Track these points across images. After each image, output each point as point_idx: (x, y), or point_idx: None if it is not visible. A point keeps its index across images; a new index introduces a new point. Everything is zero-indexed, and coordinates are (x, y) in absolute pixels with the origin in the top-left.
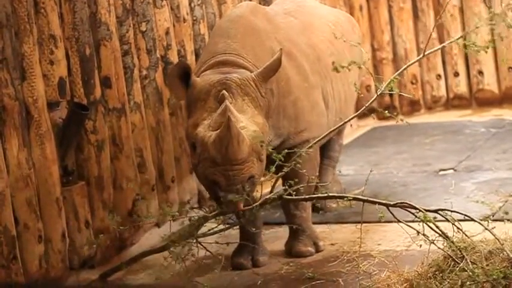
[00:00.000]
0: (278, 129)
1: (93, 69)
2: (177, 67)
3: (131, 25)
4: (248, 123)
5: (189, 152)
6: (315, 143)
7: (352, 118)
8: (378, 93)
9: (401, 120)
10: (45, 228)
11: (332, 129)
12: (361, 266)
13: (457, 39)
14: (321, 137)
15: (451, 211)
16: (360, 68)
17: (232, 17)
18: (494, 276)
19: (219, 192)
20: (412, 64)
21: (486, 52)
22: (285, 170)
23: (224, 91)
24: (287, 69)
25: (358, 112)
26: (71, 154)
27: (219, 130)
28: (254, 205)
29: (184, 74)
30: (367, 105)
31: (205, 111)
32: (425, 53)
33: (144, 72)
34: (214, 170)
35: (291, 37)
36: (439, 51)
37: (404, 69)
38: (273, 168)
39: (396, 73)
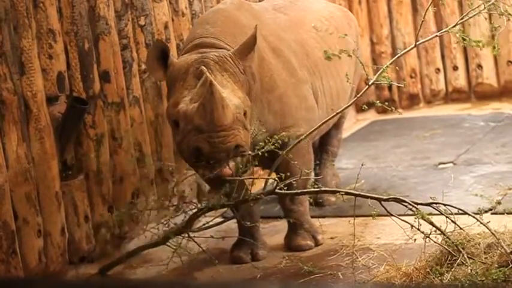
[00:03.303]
0: (263, 124)
1: (92, 63)
2: (154, 47)
3: (130, 19)
4: (230, 95)
5: (172, 131)
6: (305, 137)
7: (341, 111)
8: (370, 84)
9: (397, 111)
10: (44, 222)
11: (320, 123)
12: (359, 259)
13: (451, 28)
14: (310, 131)
15: (444, 204)
16: (350, 56)
17: (214, 9)
18: (493, 277)
19: (203, 160)
20: (404, 54)
21: (481, 49)
22: (277, 162)
23: (202, 67)
24: (272, 65)
25: (348, 104)
26: (70, 148)
27: (202, 98)
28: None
29: (162, 55)
30: (358, 96)
31: (185, 90)
32: (418, 43)
33: (143, 67)
34: (199, 137)
35: (277, 33)
36: (439, 45)
37: (396, 58)
38: (256, 162)
39: (388, 63)
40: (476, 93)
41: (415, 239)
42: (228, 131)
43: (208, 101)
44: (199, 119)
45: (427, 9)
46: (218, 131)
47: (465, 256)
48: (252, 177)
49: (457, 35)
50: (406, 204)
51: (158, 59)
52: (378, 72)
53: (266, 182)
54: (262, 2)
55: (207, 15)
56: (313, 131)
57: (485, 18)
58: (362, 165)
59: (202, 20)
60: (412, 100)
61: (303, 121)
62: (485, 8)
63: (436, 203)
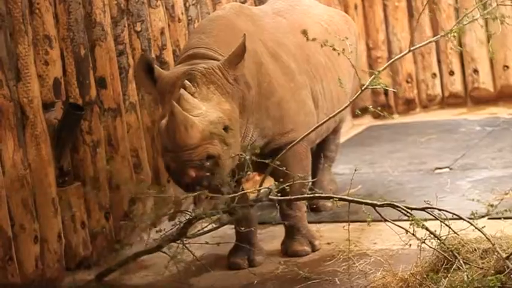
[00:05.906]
0: (262, 130)
1: (88, 69)
2: (139, 62)
3: (126, 25)
4: (211, 109)
5: None
6: (299, 140)
7: (335, 115)
8: (363, 89)
9: (391, 116)
10: (41, 228)
11: (316, 126)
12: (356, 265)
13: (446, 34)
14: (305, 134)
15: (438, 209)
16: (348, 58)
17: (212, 16)
18: (490, 284)
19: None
20: (398, 59)
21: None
22: (269, 169)
23: (186, 81)
24: (270, 70)
25: (342, 108)
26: (67, 155)
27: (167, 118)
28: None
29: (148, 68)
30: (351, 100)
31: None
32: (413, 48)
33: None
34: (167, 156)
35: (277, 38)
36: (435, 50)
37: (390, 63)
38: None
39: (382, 68)
40: (473, 98)
41: (410, 244)
42: (194, 150)
43: (170, 122)
44: (165, 139)
45: (420, 13)
46: (183, 151)
47: (461, 261)
48: (247, 191)
49: (452, 37)
50: (400, 209)
51: (145, 73)
52: (372, 77)
53: (260, 187)
54: (262, 5)
55: (204, 23)
56: (307, 134)
57: (481, 26)
58: (355, 170)
59: (198, 29)
60: (408, 105)
61: (302, 126)
62: (481, 15)
63: (430, 208)
